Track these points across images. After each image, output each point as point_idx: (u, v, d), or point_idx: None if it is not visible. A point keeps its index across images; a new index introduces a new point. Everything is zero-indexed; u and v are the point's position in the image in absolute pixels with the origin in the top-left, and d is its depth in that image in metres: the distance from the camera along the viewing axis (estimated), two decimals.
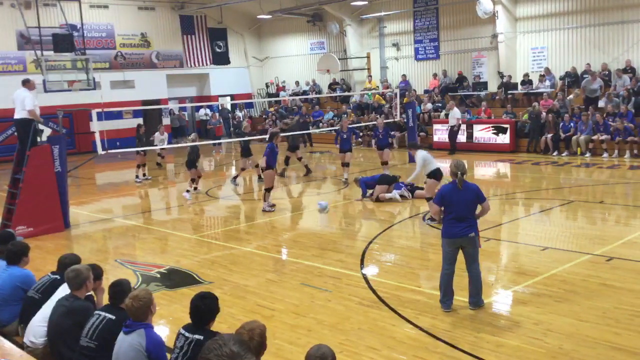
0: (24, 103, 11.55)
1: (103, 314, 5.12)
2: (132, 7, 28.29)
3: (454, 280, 7.00)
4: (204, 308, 4.59)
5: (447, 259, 6.98)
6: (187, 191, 15.47)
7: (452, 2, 24.65)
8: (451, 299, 6.98)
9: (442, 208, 7.01)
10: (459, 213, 6.82)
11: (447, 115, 22.62)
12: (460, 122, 20.74)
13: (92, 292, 5.85)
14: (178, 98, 31.06)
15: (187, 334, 4.53)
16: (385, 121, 19.86)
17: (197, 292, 4.81)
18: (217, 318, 7.09)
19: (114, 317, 5.05)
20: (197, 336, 4.48)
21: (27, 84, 11.76)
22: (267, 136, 23.28)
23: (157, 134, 19.95)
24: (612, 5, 20.63)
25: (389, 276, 8.41)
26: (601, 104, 19.53)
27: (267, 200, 13.03)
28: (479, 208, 7.03)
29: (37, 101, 11.94)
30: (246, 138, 16.96)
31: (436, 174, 11.20)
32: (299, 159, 17.94)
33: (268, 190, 13.01)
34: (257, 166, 17.02)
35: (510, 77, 22.52)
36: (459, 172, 6.86)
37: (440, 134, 22.08)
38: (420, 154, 11.44)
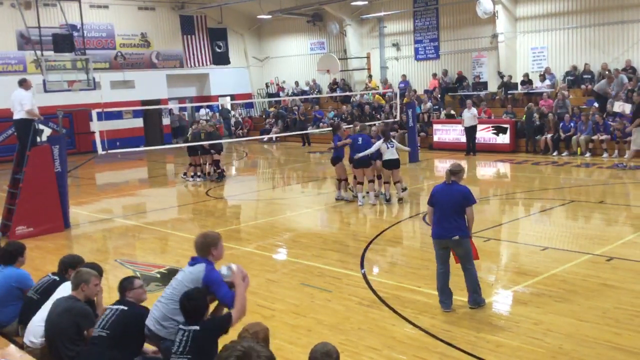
0: (22, 103, 11.56)
1: (116, 306, 5.29)
2: (132, 7, 28.28)
3: (452, 280, 7.02)
4: (189, 308, 4.81)
5: (438, 259, 7.05)
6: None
7: (452, 2, 24.65)
8: (450, 299, 6.98)
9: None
10: (444, 213, 6.84)
11: (447, 115, 22.66)
12: (477, 122, 20.50)
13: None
14: (178, 98, 31.06)
15: (184, 327, 4.74)
16: (384, 121, 19.78)
17: (186, 292, 4.96)
18: None
19: (126, 308, 5.24)
20: (193, 327, 4.69)
21: (23, 84, 11.77)
22: (265, 137, 23.10)
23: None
24: (612, 5, 20.63)
25: (389, 276, 8.41)
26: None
27: (341, 189, 13.48)
28: None
29: (34, 100, 11.95)
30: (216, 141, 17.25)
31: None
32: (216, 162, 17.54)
33: (340, 180, 13.46)
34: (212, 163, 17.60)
35: (510, 77, 22.52)
36: (449, 171, 6.91)
37: (440, 134, 22.06)
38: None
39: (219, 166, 17.53)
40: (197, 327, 4.69)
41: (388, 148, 12.74)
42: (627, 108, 17.49)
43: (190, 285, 5.00)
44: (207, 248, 5.23)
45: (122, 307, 5.26)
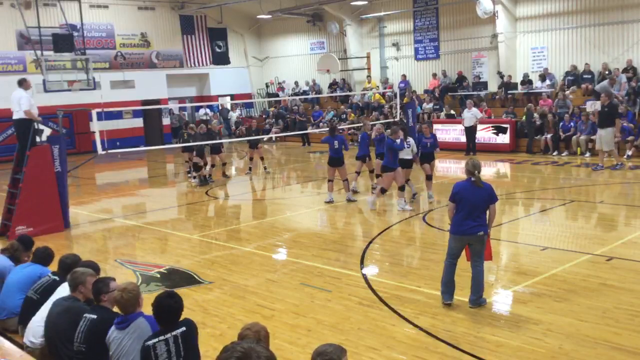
0: (20, 103, 11.58)
1: (87, 315, 5.15)
2: (132, 7, 28.29)
3: (455, 280, 7.03)
4: (174, 306, 4.58)
5: (451, 254, 7.04)
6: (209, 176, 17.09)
7: (452, 2, 24.64)
8: (452, 293, 7.03)
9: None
10: (470, 211, 6.85)
11: (448, 115, 22.65)
12: (478, 121, 20.45)
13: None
14: (178, 98, 31.07)
15: (164, 337, 4.47)
16: (384, 121, 19.78)
17: (161, 294, 4.74)
18: (217, 318, 7.12)
19: (95, 317, 5.10)
20: (179, 330, 4.49)
21: (22, 84, 11.78)
22: (265, 137, 22.98)
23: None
24: (612, 5, 20.62)
25: (389, 276, 8.41)
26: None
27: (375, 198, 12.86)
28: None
29: (33, 100, 11.94)
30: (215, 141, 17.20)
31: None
32: (203, 165, 17.07)
33: (344, 180, 13.39)
34: (224, 164, 17.70)
35: (510, 77, 22.52)
36: (477, 171, 6.91)
37: (440, 133, 21.99)
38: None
39: (197, 169, 16.97)
40: (184, 328, 4.52)
41: (404, 148, 12.49)
42: (599, 106, 17.48)
43: (140, 344, 4.56)
44: (136, 301, 4.87)
45: (91, 316, 5.09)
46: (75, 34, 16.92)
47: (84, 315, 5.16)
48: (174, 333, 4.48)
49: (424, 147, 13.13)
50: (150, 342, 4.47)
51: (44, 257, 6.92)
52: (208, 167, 17.31)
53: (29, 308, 6.12)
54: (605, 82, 19.58)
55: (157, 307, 4.57)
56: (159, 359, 4.42)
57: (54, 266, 6.95)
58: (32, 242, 7.64)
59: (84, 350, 5.01)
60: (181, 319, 4.68)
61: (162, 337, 4.47)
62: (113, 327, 4.83)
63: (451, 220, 7.06)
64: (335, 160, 13.34)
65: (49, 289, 6.10)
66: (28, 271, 6.71)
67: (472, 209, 6.84)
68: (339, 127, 15.15)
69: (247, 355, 3.07)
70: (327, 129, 24.66)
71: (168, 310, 4.56)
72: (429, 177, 13.33)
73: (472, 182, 6.93)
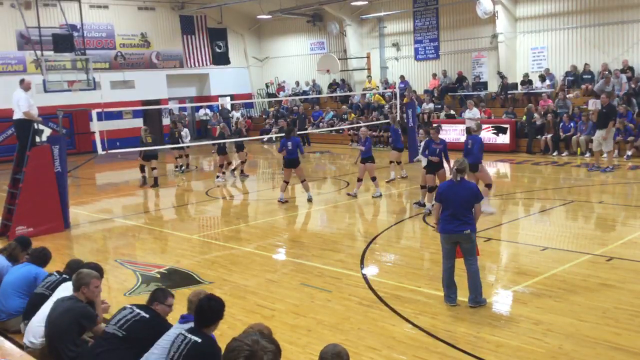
0: (19, 104, 11.59)
1: (137, 310, 5.14)
2: (132, 7, 28.29)
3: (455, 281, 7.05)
4: (207, 309, 4.51)
5: (445, 255, 7.12)
6: (217, 177, 17.19)
7: (452, 2, 24.64)
8: (455, 293, 7.08)
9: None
10: (455, 210, 6.94)
11: (448, 116, 22.64)
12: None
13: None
14: (178, 98, 31.06)
15: (186, 334, 4.46)
16: (384, 121, 19.76)
17: (207, 294, 4.77)
18: None
19: (148, 316, 5.10)
20: (194, 338, 4.40)
21: (22, 84, 11.80)
22: (265, 137, 22.92)
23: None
24: (612, 5, 20.62)
25: (389, 276, 8.41)
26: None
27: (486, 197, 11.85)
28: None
29: (32, 101, 11.95)
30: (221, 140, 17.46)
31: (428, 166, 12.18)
32: (153, 169, 17.37)
33: (286, 182, 13.77)
34: (229, 163, 17.93)
35: (507, 78, 22.49)
36: (455, 169, 7.02)
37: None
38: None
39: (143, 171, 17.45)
40: (199, 340, 4.36)
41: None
42: (600, 105, 17.47)
43: None
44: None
45: (143, 313, 5.08)
46: (75, 34, 16.92)
47: (133, 307, 5.16)
48: (190, 336, 4.42)
49: (432, 153, 11.90)
50: (183, 331, 4.49)
51: (41, 257, 6.90)
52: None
53: (38, 304, 6.12)
54: (601, 82, 19.63)
55: (197, 305, 4.58)
56: (172, 348, 4.44)
57: (52, 267, 6.95)
58: (30, 243, 7.64)
59: (120, 337, 4.96)
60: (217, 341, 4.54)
61: (186, 334, 4.45)
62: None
63: (438, 220, 7.16)
64: (291, 162, 13.52)
65: (58, 287, 6.12)
66: (23, 272, 6.69)
67: (457, 208, 6.93)
68: (340, 128, 15.27)
69: (254, 352, 3.05)
70: (327, 129, 24.79)
71: (199, 308, 4.51)
72: (430, 189, 11.79)
73: (456, 182, 7.01)
